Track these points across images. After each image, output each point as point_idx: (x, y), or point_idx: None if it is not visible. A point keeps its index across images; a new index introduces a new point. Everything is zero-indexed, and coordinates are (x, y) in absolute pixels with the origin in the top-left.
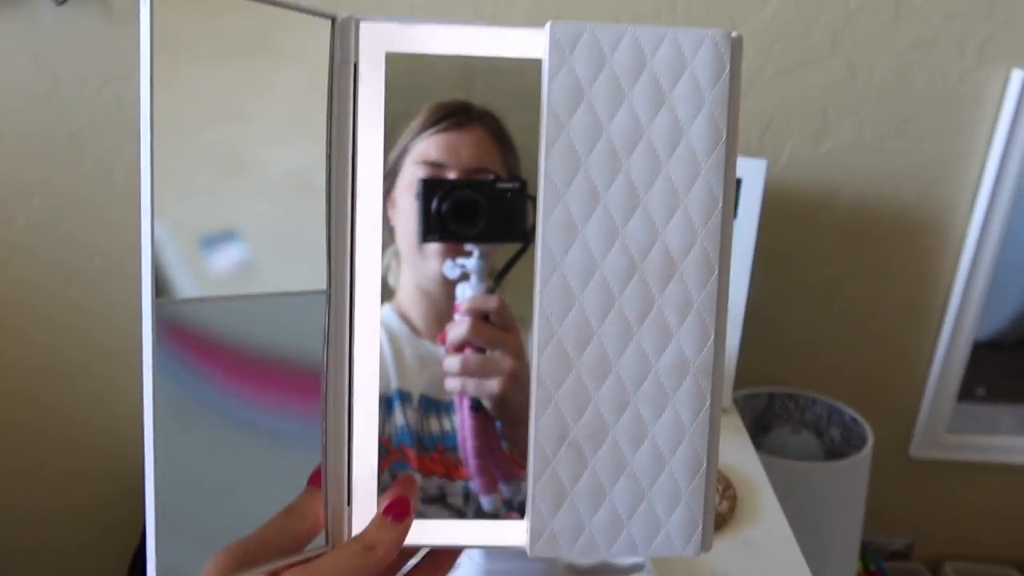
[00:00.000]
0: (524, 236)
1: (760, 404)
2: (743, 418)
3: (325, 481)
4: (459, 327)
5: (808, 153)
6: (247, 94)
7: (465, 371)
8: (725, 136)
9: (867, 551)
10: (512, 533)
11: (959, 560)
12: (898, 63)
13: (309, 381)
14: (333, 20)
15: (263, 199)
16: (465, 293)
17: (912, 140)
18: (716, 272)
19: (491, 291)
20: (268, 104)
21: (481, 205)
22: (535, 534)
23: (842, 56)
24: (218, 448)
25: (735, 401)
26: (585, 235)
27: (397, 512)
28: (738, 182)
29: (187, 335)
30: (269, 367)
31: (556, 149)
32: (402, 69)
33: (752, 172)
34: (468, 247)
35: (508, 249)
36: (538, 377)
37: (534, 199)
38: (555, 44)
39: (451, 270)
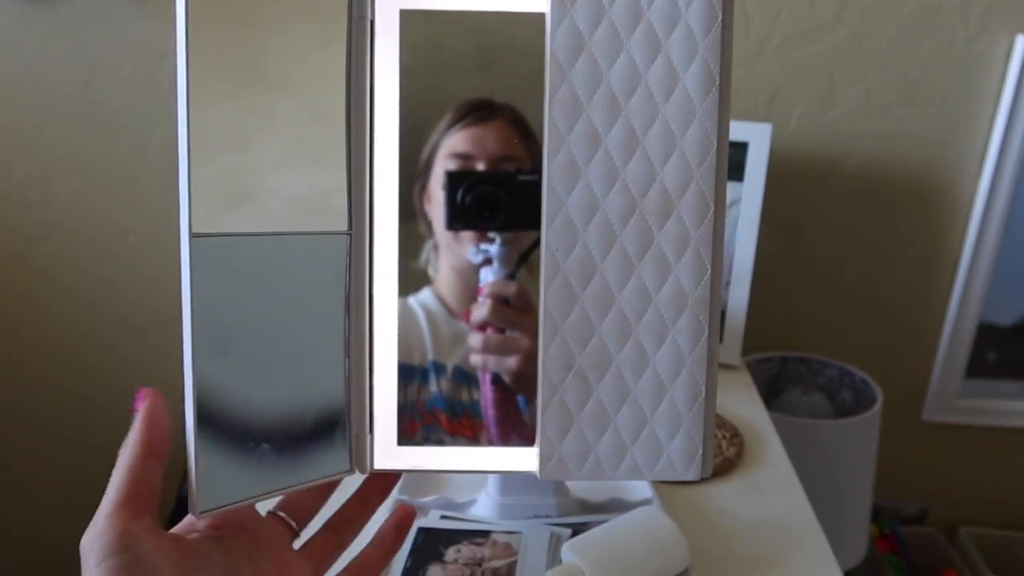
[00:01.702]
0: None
1: (772, 368)
2: (755, 383)
3: (349, 411)
4: (481, 309)
5: (816, 119)
6: (270, 50)
7: (486, 349)
8: (719, 81)
9: (882, 516)
10: (522, 459)
11: (974, 525)
12: (902, 30)
13: (331, 317)
14: None
15: (284, 145)
16: (488, 277)
17: (918, 106)
18: (712, 210)
19: (511, 276)
20: (289, 58)
21: (501, 199)
22: (544, 458)
23: (847, 24)
24: (247, 376)
25: (747, 365)
26: (588, 175)
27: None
28: (744, 146)
29: (218, 272)
30: (293, 304)
31: (559, 96)
32: (419, 59)
33: (758, 136)
34: (491, 234)
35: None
36: (545, 310)
37: None
38: None
39: (475, 255)
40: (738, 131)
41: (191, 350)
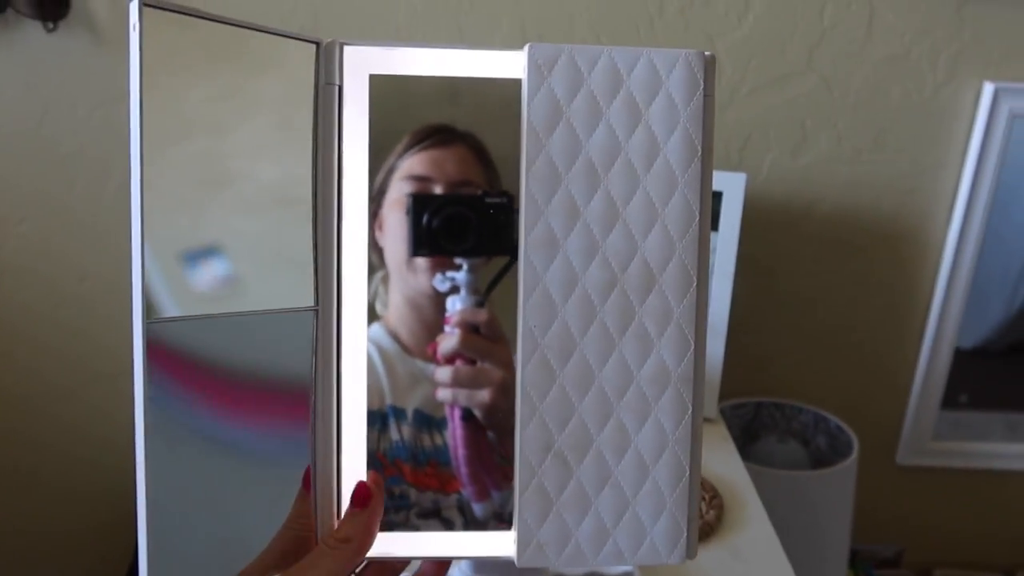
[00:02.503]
0: (513, 249)
1: (747, 414)
2: (730, 428)
3: (315, 492)
4: (450, 339)
5: (787, 166)
6: (233, 110)
7: (456, 382)
8: (700, 151)
9: (858, 559)
10: (501, 544)
11: (948, 567)
12: (872, 77)
13: (296, 398)
14: (318, 45)
15: (248, 215)
16: (455, 306)
17: (889, 152)
18: (695, 283)
19: (480, 304)
20: (253, 120)
21: (472, 221)
22: (522, 544)
23: (818, 71)
24: (207, 470)
25: (722, 412)
26: (566, 249)
27: (359, 498)
28: (719, 195)
29: (176, 357)
30: (256, 387)
31: (537, 166)
32: (386, 89)
33: (732, 185)
34: (458, 260)
35: (496, 262)
36: (523, 389)
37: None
38: (534, 65)
39: (441, 283)
40: (712, 181)
41: (143, 445)
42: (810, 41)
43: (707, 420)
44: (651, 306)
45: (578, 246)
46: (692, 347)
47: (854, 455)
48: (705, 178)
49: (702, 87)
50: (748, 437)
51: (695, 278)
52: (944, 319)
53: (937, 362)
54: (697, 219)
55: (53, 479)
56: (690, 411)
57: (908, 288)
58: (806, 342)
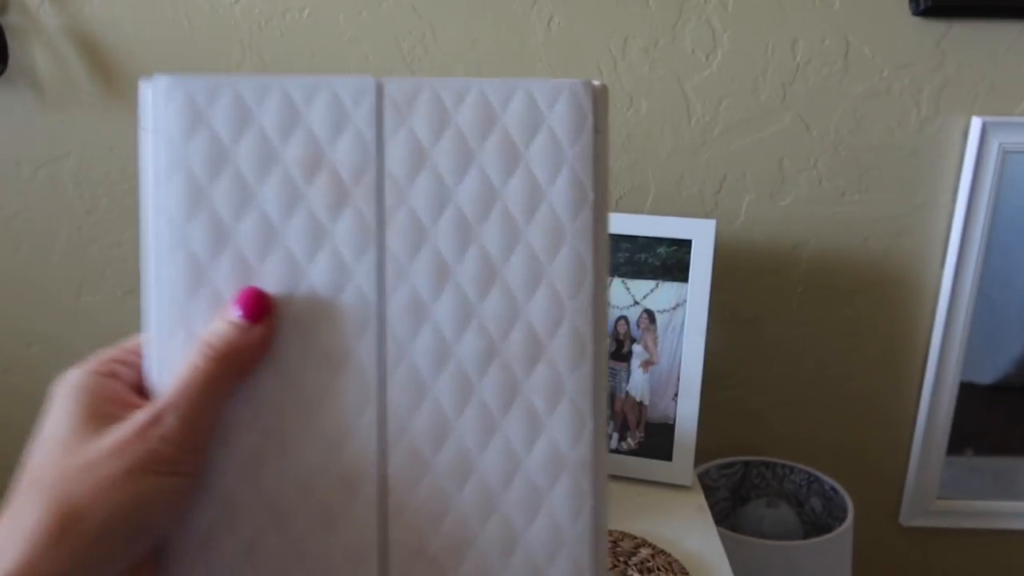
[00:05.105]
0: None
1: (736, 475)
2: (719, 491)
3: None
4: None
5: (766, 208)
6: None
7: None
8: (592, 195)
9: None
10: None
11: None
12: (852, 113)
13: None
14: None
15: None
16: None
17: (873, 192)
18: (591, 350)
19: None
20: None
21: None
22: None
23: (793, 109)
24: None
25: (707, 473)
26: (435, 316)
27: (255, 311)
28: (687, 243)
29: None
30: None
31: (398, 220)
32: None
33: (701, 233)
34: None
35: None
36: (389, 483)
37: None
38: (390, 103)
39: None
40: (680, 228)
41: None
42: (783, 78)
43: (682, 488)
44: (538, 379)
45: (449, 312)
46: (590, 425)
47: (849, 520)
48: (599, 226)
49: (591, 121)
50: (738, 499)
51: (590, 344)
52: (944, 364)
53: (939, 411)
54: (590, 275)
55: None
56: (590, 502)
57: (903, 333)
58: (796, 395)
